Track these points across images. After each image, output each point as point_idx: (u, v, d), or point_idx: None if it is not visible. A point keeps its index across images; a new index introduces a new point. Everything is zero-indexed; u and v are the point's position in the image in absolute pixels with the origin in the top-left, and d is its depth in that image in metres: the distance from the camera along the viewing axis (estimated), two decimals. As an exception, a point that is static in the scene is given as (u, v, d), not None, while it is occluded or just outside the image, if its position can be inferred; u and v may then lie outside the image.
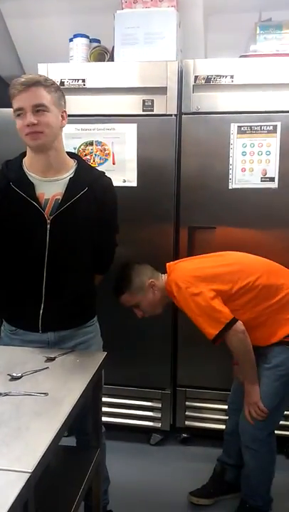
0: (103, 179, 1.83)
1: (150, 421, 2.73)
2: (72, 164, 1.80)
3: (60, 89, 1.74)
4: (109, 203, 1.83)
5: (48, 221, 1.70)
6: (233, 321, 1.93)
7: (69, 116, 2.47)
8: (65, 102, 1.77)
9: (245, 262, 2.10)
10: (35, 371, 1.56)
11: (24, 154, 1.79)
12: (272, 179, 2.41)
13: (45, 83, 1.67)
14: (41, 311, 1.77)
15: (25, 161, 1.77)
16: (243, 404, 2.05)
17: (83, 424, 1.81)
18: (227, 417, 2.34)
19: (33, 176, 1.73)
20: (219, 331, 1.92)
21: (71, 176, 1.75)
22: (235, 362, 2.21)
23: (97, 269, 1.92)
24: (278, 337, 2.01)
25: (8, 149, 1.87)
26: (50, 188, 1.73)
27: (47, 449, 1.14)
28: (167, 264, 2.16)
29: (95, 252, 1.85)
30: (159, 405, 2.69)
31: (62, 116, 1.74)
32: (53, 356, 1.68)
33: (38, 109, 1.64)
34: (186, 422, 2.71)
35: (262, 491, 2.13)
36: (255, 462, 2.09)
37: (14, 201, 1.71)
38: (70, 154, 1.85)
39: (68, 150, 1.91)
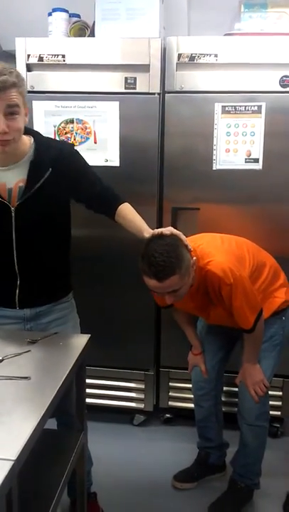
0: (64, 152, 1.73)
1: (133, 402, 2.74)
2: (29, 142, 1.70)
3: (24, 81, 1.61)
4: (80, 167, 1.77)
5: (13, 209, 1.65)
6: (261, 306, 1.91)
7: (49, 92, 2.45)
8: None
9: (240, 244, 2.06)
10: (17, 354, 1.53)
11: None
12: (256, 160, 2.39)
13: (18, 82, 1.53)
14: (17, 290, 1.76)
15: None
16: (243, 388, 2.03)
17: (65, 405, 1.79)
18: (195, 406, 2.30)
19: None
20: (255, 318, 1.87)
21: (31, 158, 1.67)
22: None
23: (114, 203, 1.84)
24: (269, 311, 2.01)
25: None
26: (11, 176, 1.65)
27: (31, 436, 1.12)
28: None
29: (97, 200, 1.81)
30: (142, 386, 2.70)
31: (25, 113, 1.62)
32: (35, 339, 1.65)
33: (11, 111, 1.53)
34: (170, 403, 2.73)
35: (257, 468, 2.14)
36: (259, 440, 2.09)
37: None
38: (25, 130, 1.71)
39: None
